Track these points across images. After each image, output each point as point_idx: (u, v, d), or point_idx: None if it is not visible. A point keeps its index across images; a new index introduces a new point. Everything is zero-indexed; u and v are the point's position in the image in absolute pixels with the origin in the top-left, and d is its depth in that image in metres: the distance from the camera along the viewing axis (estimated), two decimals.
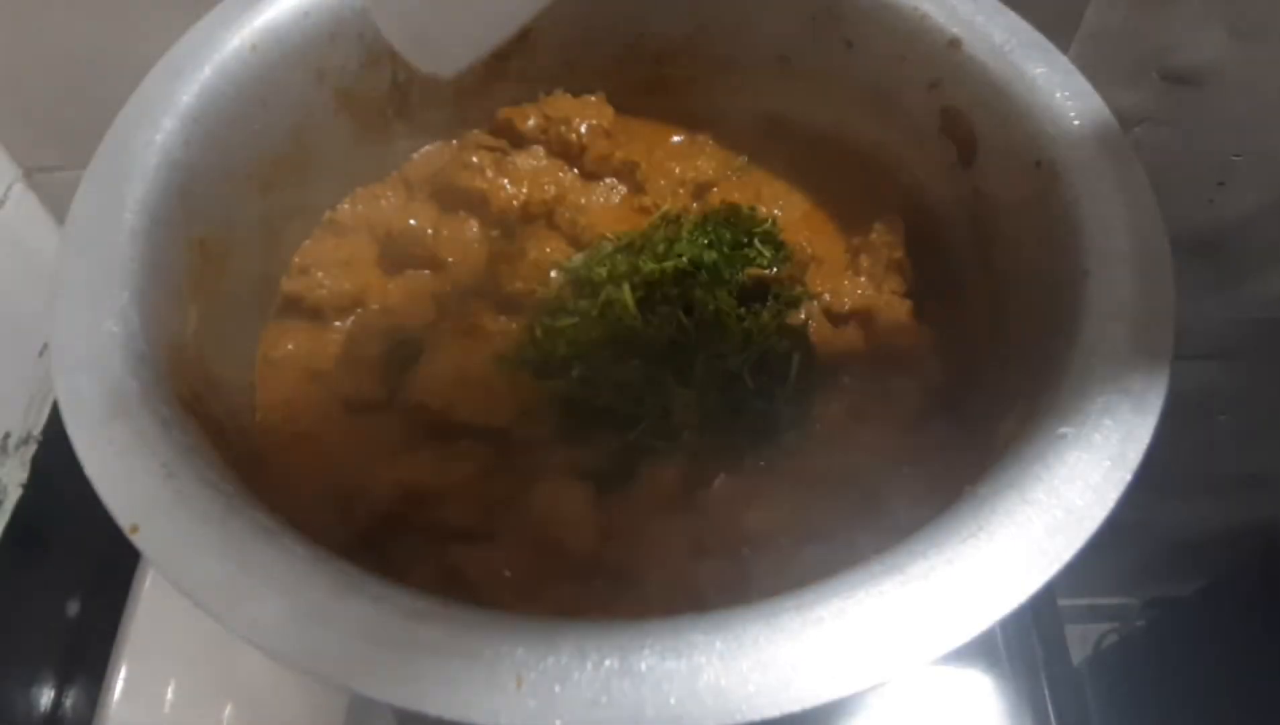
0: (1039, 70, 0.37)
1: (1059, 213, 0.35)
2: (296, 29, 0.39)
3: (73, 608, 0.55)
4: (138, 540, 0.25)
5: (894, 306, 0.41)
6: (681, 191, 0.47)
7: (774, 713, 0.22)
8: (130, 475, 0.26)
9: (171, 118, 0.35)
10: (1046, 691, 0.41)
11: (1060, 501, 0.26)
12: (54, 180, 0.60)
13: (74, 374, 0.28)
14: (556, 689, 0.22)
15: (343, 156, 0.44)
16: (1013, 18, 0.39)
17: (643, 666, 0.22)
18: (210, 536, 0.25)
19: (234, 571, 0.24)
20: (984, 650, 0.42)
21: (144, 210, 0.33)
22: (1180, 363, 0.29)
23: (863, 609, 0.24)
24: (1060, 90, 0.36)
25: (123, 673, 0.48)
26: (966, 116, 0.39)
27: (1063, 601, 0.45)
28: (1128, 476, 0.27)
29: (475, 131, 0.47)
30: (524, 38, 0.46)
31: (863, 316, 0.41)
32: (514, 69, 0.47)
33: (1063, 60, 0.37)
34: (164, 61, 0.37)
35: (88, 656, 0.50)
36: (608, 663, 0.22)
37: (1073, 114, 0.36)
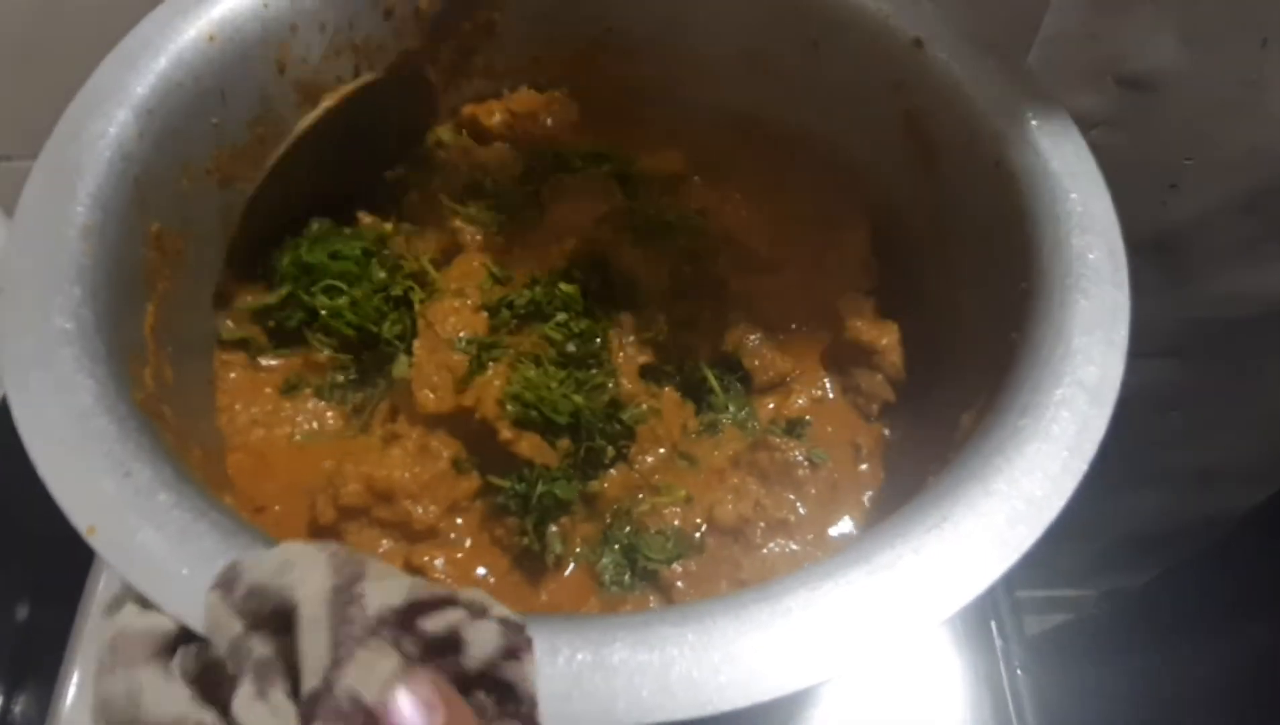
0: (999, 72, 0.38)
1: (1017, 211, 0.35)
2: (256, 19, 0.39)
3: (21, 612, 0.53)
4: (94, 541, 0.24)
5: (859, 304, 0.41)
6: (651, 186, 0.47)
7: (744, 703, 0.22)
8: (86, 476, 0.25)
9: (125, 109, 0.34)
10: (1005, 681, 0.42)
11: (1020, 492, 0.27)
12: (2, 170, 0.58)
13: (24, 372, 0.27)
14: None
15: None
16: (974, 20, 0.40)
17: (615, 660, 0.22)
18: (169, 537, 0.24)
19: (194, 573, 0.24)
20: (944, 640, 0.42)
21: (96, 204, 0.32)
22: (1133, 360, 0.30)
23: (830, 599, 0.24)
24: (1019, 92, 0.37)
25: (75, 679, 0.46)
26: (929, 117, 0.40)
27: (1020, 593, 0.46)
28: (1084, 466, 0.28)
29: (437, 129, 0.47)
30: (490, 32, 0.46)
31: (829, 314, 0.42)
32: (479, 64, 0.47)
33: (1022, 63, 0.38)
34: (117, 51, 0.36)
35: (37, 662, 0.49)
36: (580, 656, 0.22)
37: (1031, 116, 0.37)
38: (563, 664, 0.22)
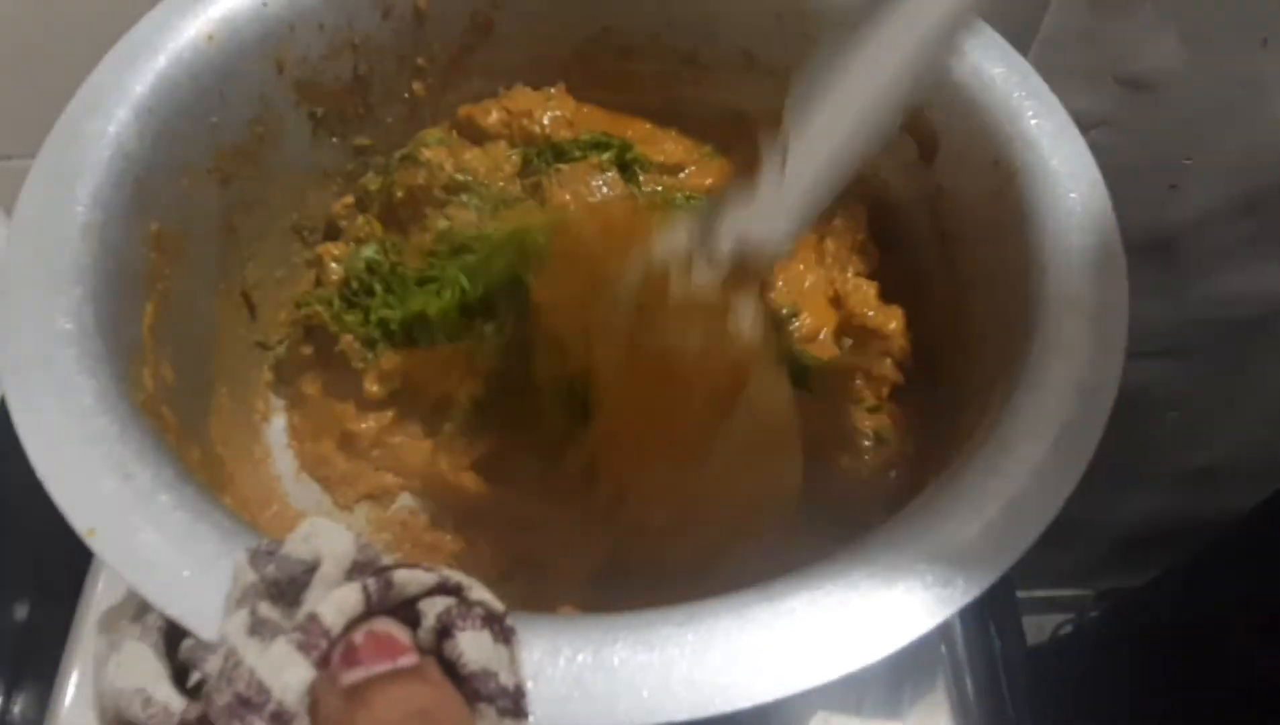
0: (998, 70, 0.38)
1: (1016, 210, 0.35)
2: (255, 18, 0.39)
3: (21, 611, 0.53)
4: (95, 544, 0.24)
5: (860, 287, 0.41)
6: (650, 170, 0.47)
7: (746, 704, 0.22)
8: (86, 478, 0.25)
9: (125, 108, 0.34)
10: (1004, 681, 0.42)
11: (1019, 492, 0.27)
12: (1, 170, 0.58)
13: (25, 372, 0.27)
14: (530, 684, 0.22)
15: (304, 150, 0.44)
16: (974, 19, 0.40)
17: (615, 661, 0.22)
18: (170, 539, 0.24)
19: (195, 575, 0.24)
20: (943, 641, 0.42)
21: (96, 203, 0.32)
22: (1131, 360, 0.30)
23: (832, 599, 0.24)
24: (1019, 91, 0.37)
25: (74, 678, 0.46)
26: (927, 114, 0.40)
27: (1020, 593, 0.46)
28: (1083, 466, 0.28)
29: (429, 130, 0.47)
30: (488, 30, 0.46)
31: (833, 299, 0.42)
32: (478, 62, 0.46)
33: (1022, 62, 0.38)
34: (116, 50, 0.36)
35: (37, 661, 0.49)
36: (580, 657, 0.22)
37: (1030, 114, 0.37)
38: (563, 664, 0.22)
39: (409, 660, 0.19)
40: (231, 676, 0.19)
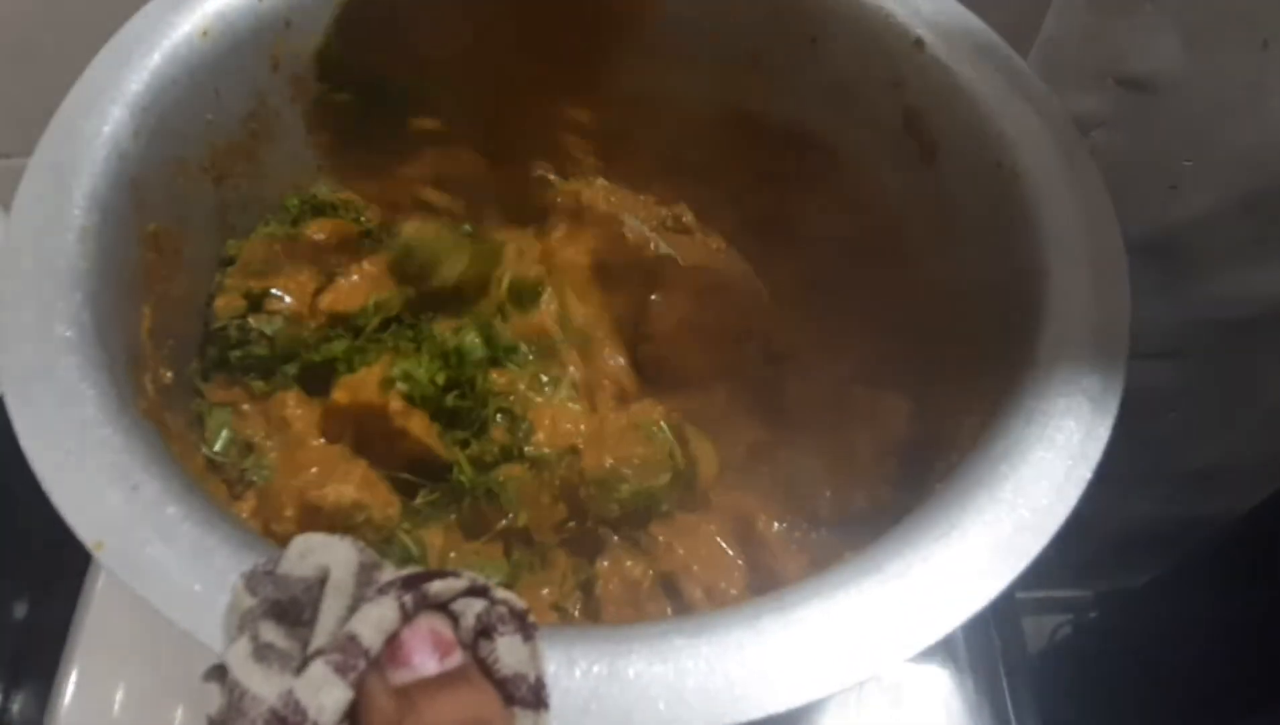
0: (1000, 73, 0.38)
1: (1018, 213, 0.35)
2: (250, 13, 0.38)
3: (20, 610, 0.53)
4: (104, 558, 0.24)
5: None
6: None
7: (759, 714, 0.22)
8: (92, 490, 0.25)
9: (120, 106, 0.34)
10: (1004, 682, 0.42)
11: (1027, 499, 0.27)
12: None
13: (26, 383, 0.27)
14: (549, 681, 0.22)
15: (299, 146, 0.43)
16: (974, 21, 0.39)
17: (630, 672, 0.23)
18: (180, 552, 0.24)
19: (207, 589, 0.23)
20: (944, 643, 0.42)
21: (93, 205, 0.32)
22: (1133, 362, 0.30)
23: (843, 608, 0.24)
24: (1020, 93, 0.37)
25: (73, 676, 0.46)
26: (928, 116, 0.40)
27: (1020, 594, 0.46)
28: (1088, 474, 0.28)
29: None
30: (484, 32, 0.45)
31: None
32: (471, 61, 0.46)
33: (1022, 64, 0.38)
34: (110, 46, 0.35)
35: (36, 660, 0.48)
36: (596, 669, 0.23)
37: (1032, 117, 0.37)
38: (579, 676, 0.22)
39: (455, 661, 0.20)
40: (240, 707, 0.19)
